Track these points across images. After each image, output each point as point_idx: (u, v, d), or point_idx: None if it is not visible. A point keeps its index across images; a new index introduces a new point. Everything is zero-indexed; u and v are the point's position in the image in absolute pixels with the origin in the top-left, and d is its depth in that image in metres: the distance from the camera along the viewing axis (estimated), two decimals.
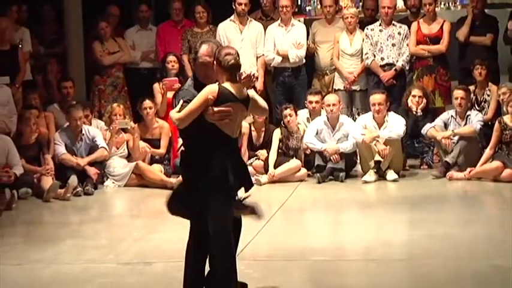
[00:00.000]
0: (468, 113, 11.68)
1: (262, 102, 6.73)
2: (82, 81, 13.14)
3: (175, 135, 12.20)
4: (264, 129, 12.00)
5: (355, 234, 9.13)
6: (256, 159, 11.76)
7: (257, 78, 5.93)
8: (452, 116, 11.76)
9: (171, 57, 12.43)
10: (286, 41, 12.51)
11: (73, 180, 11.15)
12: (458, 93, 11.73)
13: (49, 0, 13.57)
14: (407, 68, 12.54)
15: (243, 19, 12.58)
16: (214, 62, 6.40)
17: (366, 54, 12.47)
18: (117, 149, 11.90)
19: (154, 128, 12.13)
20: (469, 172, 11.24)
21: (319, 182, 11.43)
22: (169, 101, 12.45)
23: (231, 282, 6.39)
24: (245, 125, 11.76)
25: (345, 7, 13.49)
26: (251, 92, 6.60)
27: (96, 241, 8.99)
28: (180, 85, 12.44)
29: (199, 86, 6.42)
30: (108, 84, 12.93)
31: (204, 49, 6.47)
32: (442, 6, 14.44)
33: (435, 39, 12.42)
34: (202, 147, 6.30)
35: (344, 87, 12.53)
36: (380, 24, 12.55)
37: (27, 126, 11.40)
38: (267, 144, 11.87)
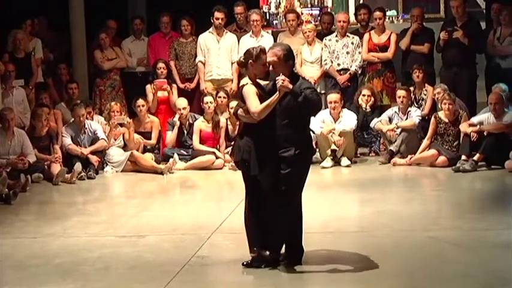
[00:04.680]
0: (409, 109, 11.73)
1: None
2: (85, 84, 13.07)
3: (164, 129, 12.22)
4: (238, 122, 11.94)
5: (315, 210, 9.13)
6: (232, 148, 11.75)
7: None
8: (395, 111, 11.82)
9: (161, 64, 12.43)
10: None
11: (78, 166, 11.11)
12: (400, 93, 11.78)
13: (59, 14, 13.48)
14: (359, 72, 12.57)
15: (220, 31, 12.56)
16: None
17: (324, 60, 12.48)
18: (115, 140, 11.87)
19: (146, 123, 12.12)
20: (410, 159, 11.30)
21: None
22: (160, 99, 12.51)
23: None
24: (222, 119, 11.78)
25: (306, 21, 13.52)
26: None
27: (97, 218, 8.99)
28: (168, 86, 12.52)
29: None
30: (107, 85, 12.89)
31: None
32: (387, 20, 14.49)
33: (383, 48, 12.44)
34: None
35: None
36: (336, 36, 12.57)
37: (39, 121, 11.35)
38: None
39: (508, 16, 11.84)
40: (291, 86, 6.59)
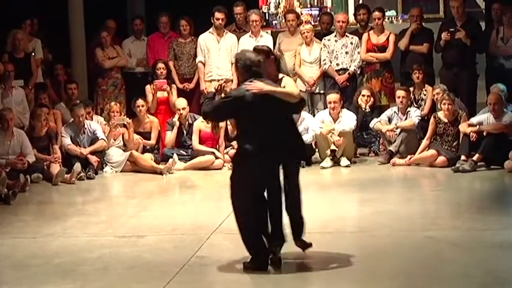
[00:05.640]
0: (408, 109, 11.76)
1: None
2: (85, 83, 13.08)
3: (164, 129, 12.24)
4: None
5: (314, 210, 9.13)
6: (231, 148, 11.75)
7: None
8: (395, 112, 11.84)
9: (160, 64, 12.44)
10: None
11: (77, 166, 11.13)
12: (400, 93, 11.81)
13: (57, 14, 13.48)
14: (358, 72, 12.59)
15: (220, 31, 12.58)
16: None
17: (323, 60, 12.50)
18: (115, 140, 11.89)
19: (145, 123, 12.15)
20: (409, 159, 11.32)
21: None
22: (160, 99, 12.54)
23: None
24: None
25: (305, 21, 13.54)
26: None
27: (97, 218, 9.01)
28: (168, 86, 12.54)
29: None
30: (109, 84, 12.89)
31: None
32: (387, 20, 14.52)
33: (382, 48, 12.46)
34: None
35: (306, 90, 12.53)
36: (335, 36, 12.59)
37: (38, 121, 11.38)
38: None
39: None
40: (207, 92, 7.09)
